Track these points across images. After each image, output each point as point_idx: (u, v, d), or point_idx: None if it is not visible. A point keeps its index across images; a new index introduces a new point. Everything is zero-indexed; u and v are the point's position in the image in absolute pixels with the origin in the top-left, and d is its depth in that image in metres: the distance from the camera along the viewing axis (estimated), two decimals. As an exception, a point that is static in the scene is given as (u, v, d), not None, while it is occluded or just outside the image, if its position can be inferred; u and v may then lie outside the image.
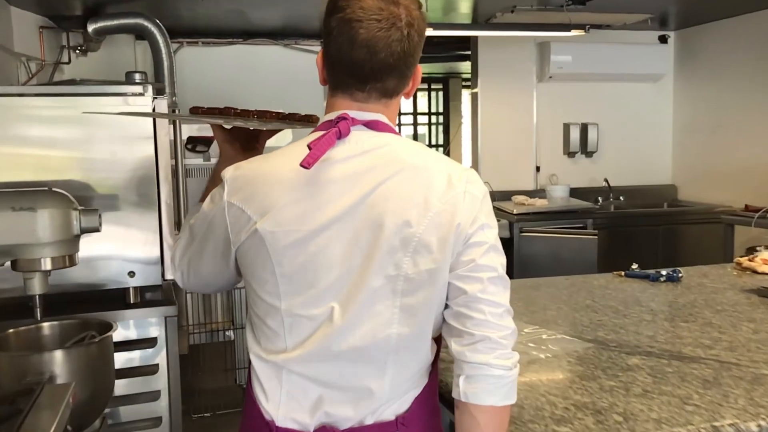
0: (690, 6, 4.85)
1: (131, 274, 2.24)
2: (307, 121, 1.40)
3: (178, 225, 2.71)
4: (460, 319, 1.14)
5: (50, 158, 2.17)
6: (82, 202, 1.83)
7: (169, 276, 2.32)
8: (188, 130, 3.68)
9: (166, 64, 4.19)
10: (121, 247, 2.23)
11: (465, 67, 7.68)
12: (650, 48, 5.57)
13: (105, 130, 2.21)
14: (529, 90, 5.48)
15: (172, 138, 2.87)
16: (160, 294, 2.40)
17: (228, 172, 1.17)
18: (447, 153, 9.04)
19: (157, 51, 4.15)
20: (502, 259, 1.16)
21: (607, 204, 5.50)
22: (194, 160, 3.57)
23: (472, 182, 1.14)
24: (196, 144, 3.44)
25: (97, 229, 1.78)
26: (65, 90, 2.30)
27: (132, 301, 2.27)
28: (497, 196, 5.35)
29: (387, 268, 1.09)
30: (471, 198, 1.12)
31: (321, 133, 1.12)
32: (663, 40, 5.66)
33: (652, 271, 2.58)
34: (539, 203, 4.95)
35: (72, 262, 1.74)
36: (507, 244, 4.80)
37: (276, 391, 1.17)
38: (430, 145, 8.95)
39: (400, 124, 8.95)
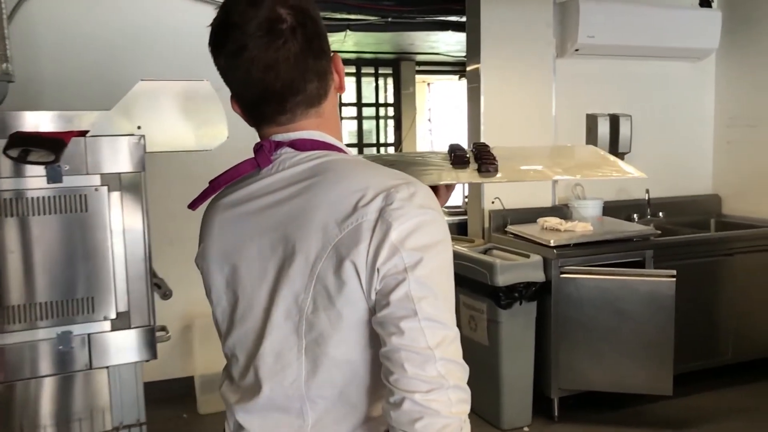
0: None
1: None
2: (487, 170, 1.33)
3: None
4: (384, 372, 0.94)
5: None
6: None
7: None
8: (18, 119, 1.90)
9: (-13, 3, 2.36)
10: None
11: (425, 44, 6.11)
12: (692, 14, 4.20)
13: None
14: (546, 69, 3.97)
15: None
16: None
17: None
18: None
19: (-32, -21, 2.31)
20: (424, 293, 0.91)
21: (646, 222, 4.09)
22: (34, 181, 1.78)
23: (395, 203, 0.92)
24: (27, 149, 1.67)
25: None
26: None
27: None
28: (513, 218, 3.81)
29: (290, 310, 0.98)
30: (383, 225, 0.91)
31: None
32: (705, 2, 4.30)
33: None
34: (580, 228, 3.45)
35: None
36: (543, 289, 3.28)
37: None
38: (377, 146, 7.33)
39: (341, 118, 7.26)
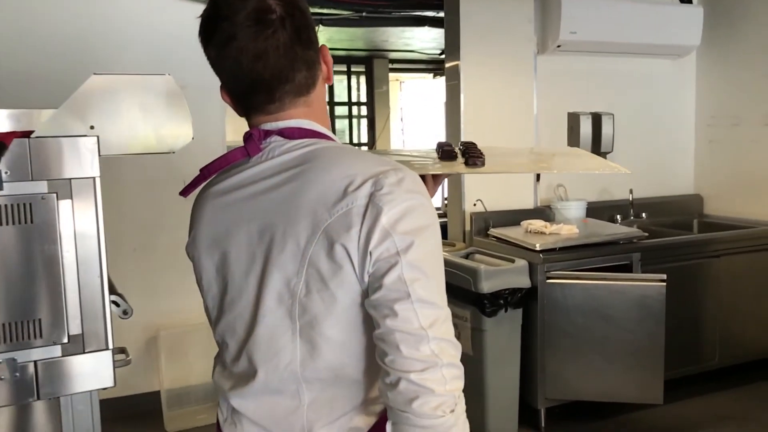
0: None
1: None
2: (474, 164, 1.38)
3: None
4: (379, 353, 0.96)
5: None
6: None
7: None
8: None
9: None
10: None
11: (399, 41, 5.95)
12: (673, 10, 4.11)
13: None
14: (526, 66, 3.84)
15: None
16: None
17: None
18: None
19: None
20: (416, 275, 0.93)
21: (630, 223, 3.99)
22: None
23: (385, 188, 0.94)
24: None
25: None
26: None
27: None
28: (494, 220, 3.67)
29: (282, 294, 1.00)
30: (373, 210, 0.93)
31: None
32: (686, -1, 4.22)
33: None
34: (566, 231, 3.32)
35: None
36: (528, 296, 3.14)
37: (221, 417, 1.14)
38: (351, 144, 7.14)
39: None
